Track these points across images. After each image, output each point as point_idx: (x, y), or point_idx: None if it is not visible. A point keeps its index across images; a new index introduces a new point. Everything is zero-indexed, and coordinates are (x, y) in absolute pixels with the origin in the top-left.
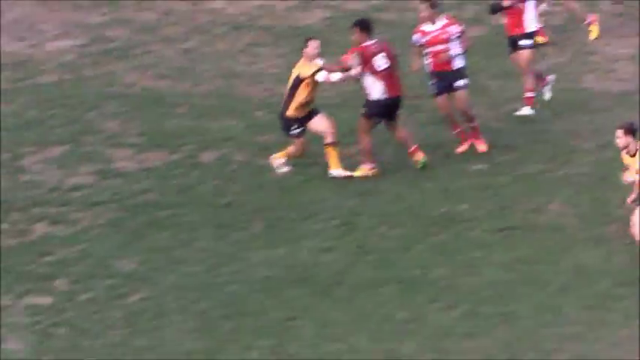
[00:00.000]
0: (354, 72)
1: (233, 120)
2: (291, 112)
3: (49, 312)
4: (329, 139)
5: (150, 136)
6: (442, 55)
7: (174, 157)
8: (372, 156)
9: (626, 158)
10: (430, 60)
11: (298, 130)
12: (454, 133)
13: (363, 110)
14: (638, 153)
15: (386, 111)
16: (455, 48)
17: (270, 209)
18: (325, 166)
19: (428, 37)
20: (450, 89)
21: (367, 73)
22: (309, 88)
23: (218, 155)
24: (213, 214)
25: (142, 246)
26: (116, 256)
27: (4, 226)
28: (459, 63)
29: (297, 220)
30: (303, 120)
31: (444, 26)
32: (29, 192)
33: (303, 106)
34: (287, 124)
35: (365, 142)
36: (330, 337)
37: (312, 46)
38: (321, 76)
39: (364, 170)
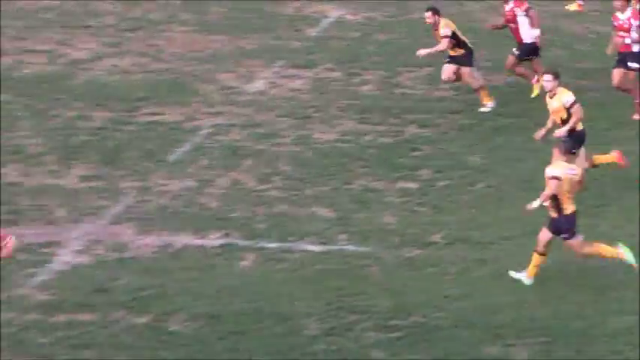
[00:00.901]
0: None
1: (560, 51)
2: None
3: (415, 194)
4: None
5: (494, 62)
6: (621, 40)
7: (512, 80)
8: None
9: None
10: (618, 41)
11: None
12: (635, 102)
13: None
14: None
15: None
16: (635, 36)
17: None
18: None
19: (616, 24)
20: (625, 67)
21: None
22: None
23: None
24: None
25: (487, 146)
26: (467, 153)
27: (384, 127)
28: (636, 48)
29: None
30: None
31: (629, 18)
32: (403, 102)
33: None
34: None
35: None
36: (633, 220)
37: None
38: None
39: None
